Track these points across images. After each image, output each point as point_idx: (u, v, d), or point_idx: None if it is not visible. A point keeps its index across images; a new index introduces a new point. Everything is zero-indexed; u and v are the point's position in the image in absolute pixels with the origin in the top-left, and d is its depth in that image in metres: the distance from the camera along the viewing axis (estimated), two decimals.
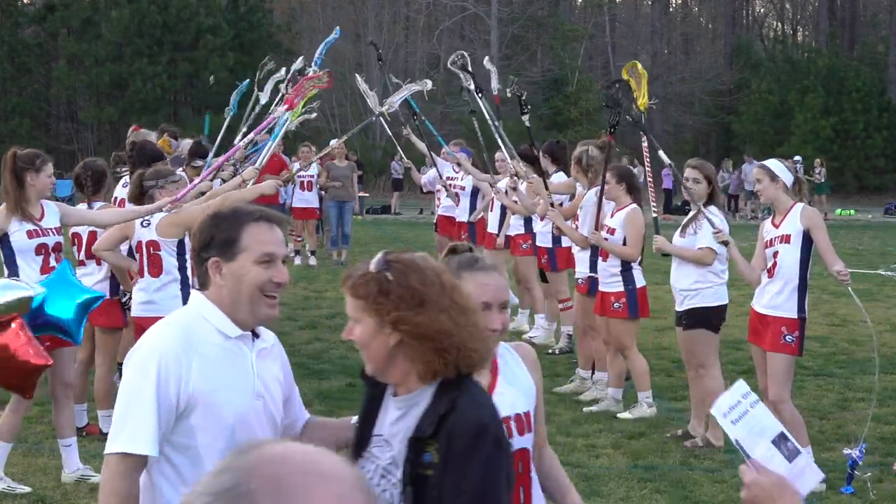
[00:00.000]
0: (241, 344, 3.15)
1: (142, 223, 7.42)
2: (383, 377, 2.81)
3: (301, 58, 10.74)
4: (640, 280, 8.61)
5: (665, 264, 8.93)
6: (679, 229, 8.09)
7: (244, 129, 10.96)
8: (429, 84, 10.88)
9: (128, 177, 8.91)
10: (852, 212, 37.11)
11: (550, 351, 11.23)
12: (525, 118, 10.20)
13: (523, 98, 10.55)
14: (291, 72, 10.90)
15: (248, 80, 11.35)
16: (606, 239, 8.59)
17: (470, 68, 11.42)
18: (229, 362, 3.12)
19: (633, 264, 8.57)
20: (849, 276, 7.00)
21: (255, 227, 3.12)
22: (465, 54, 11.68)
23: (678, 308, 8.00)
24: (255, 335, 3.20)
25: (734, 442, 2.39)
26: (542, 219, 10.50)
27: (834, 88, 45.82)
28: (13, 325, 5.49)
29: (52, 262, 7.02)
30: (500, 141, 11.28)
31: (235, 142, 10.20)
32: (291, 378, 3.38)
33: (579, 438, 8.12)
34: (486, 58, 12.41)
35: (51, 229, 7.08)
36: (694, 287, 7.85)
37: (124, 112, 42.64)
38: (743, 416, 2.39)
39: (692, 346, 7.94)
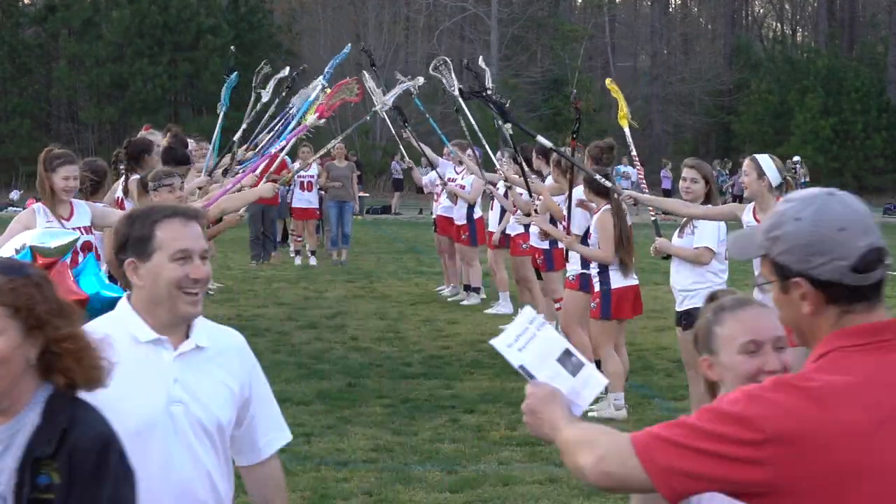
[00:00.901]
0: (154, 348, 3.04)
1: None
2: (3, 401, 2.43)
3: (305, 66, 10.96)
4: (617, 281, 8.54)
5: (665, 265, 8.94)
6: (678, 230, 8.13)
7: (244, 126, 11.01)
8: (420, 80, 10.98)
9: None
10: None
11: None
12: (507, 127, 10.12)
13: (506, 106, 10.48)
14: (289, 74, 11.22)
15: (235, 73, 11.30)
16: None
17: (453, 73, 11.60)
18: (137, 368, 2.98)
19: (609, 266, 8.58)
20: None
21: (167, 223, 3.03)
22: (447, 59, 11.83)
23: (678, 308, 8.03)
24: (186, 336, 3.08)
25: (518, 368, 2.44)
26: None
27: (833, 89, 45.84)
28: (58, 265, 5.57)
29: (80, 261, 7.04)
30: (484, 141, 11.45)
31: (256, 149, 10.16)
32: (259, 391, 3.21)
33: None
34: (481, 57, 12.47)
35: (78, 228, 7.03)
36: (693, 287, 7.86)
37: (125, 112, 42.72)
38: (530, 341, 2.44)
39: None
